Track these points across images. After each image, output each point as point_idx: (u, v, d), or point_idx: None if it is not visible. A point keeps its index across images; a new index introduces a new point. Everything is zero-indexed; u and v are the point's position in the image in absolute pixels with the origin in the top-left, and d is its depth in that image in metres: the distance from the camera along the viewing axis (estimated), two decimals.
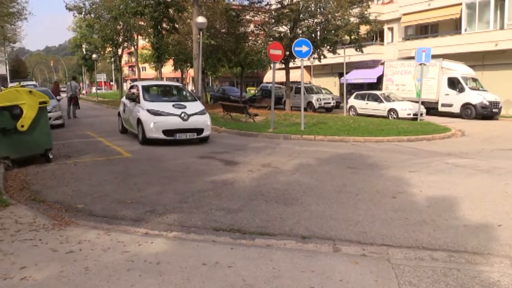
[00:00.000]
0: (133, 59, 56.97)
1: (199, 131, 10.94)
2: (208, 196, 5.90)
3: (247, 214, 5.14)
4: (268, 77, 40.63)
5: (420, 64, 18.03)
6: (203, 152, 9.86)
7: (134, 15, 21.49)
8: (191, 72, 45.77)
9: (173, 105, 11.02)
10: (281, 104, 26.08)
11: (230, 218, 4.99)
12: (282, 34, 22.37)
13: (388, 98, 21.60)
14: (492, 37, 24.58)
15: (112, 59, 36.20)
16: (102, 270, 3.44)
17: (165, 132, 10.52)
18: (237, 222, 4.86)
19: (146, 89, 11.98)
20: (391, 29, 32.23)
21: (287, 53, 20.17)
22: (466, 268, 3.65)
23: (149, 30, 24.70)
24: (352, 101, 23.06)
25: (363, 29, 22.76)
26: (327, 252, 3.99)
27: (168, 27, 22.99)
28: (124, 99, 13.37)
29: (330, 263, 3.68)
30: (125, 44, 34.23)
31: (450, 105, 21.93)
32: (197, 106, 11.57)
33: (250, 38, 24.99)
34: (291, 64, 23.71)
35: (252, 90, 42.81)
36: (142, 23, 26.61)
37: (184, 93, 13.09)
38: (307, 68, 36.47)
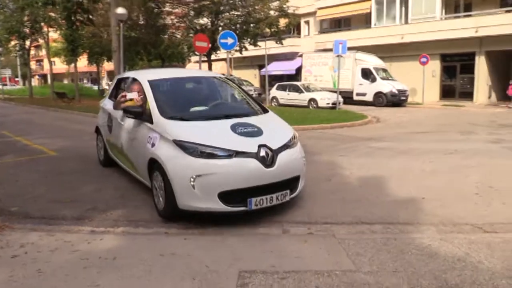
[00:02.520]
0: (41, 53, 52.94)
1: (293, 183, 4.78)
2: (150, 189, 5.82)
3: None
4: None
5: (337, 56, 19.04)
6: None
7: (44, 5, 20.01)
8: (106, 66, 43.73)
9: (233, 127, 4.68)
10: None
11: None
12: (203, 27, 22.26)
13: (308, 89, 22.52)
14: (398, 31, 26.67)
15: (18, 53, 33.31)
16: (56, 270, 3.31)
17: (226, 196, 4.28)
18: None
19: (159, 88, 5.53)
20: (307, 23, 33.52)
21: (209, 45, 20.13)
22: (401, 236, 4.07)
23: (61, 22, 23.15)
24: (274, 92, 23.69)
25: (282, 22, 23.48)
26: (277, 234, 4.21)
27: (83, 19, 21.75)
28: (106, 104, 6.99)
29: (283, 244, 3.89)
30: (33, 37, 31.69)
31: (364, 94, 23.46)
32: (278, 124, 5.37)
33: (170, 30, 24.51)
34: (212, 57, 23.71)
35: None
36: (53, 14, 24.83)
37: (240, 94, 6.15)
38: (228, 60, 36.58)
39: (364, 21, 29.89)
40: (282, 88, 23.45)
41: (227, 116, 5.03)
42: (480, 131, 12.13)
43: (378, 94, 22.75)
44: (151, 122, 4.93)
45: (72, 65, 26.51)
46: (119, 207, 5.11)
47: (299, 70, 29.18)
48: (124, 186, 6.03)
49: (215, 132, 4.63)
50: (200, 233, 4.23)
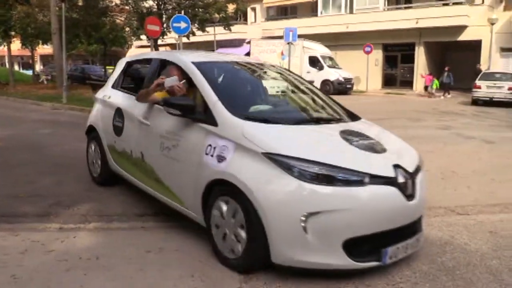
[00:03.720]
0: None
1: (420, 218, 3.20)
2: (116, 181, 5.44)
3: None
4: (130, 55, 38.65)
5: (288, 43, 19.10)
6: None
7: None
8: (40, 50, 40.93)
9: (344, 137, 3.22)
10: None
11: (148, 201, 4.70)
12: (149, 10, 21.39)
13: None
14: (344, 20, 27.31)
15: None
16: (33, 275, 2.96)
17: (349, 244, 2.72)
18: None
19: (212, 74, 3.93)
20: (254, 9, 33.34)
21: (161, 29, 19.43)
22: None
23: None
24: None
25: (231, 7, 23.13)
26: None
27: None
28: (109, 95, 5.05)
29: None
30: None
31: (312, 82, 23.66)
32: (391, 136, 3.78)
33: (113, 12, 23.32)
34: (159, 42, 22.91)
35: (111, 69, 40.33)
36: None
37: (304, 84, 4.59)
38: (173, 46, 35.67)
39: (310, 9, 30.27)
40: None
41: (317, 120, 3.66)
42: (428, 118, 12.73)
43: (325, 82, 23.20)
44: (213, 124, 3.24)
45: (3, 47, 24.44)
46: (86, 201, 4.71)
47: (247, 56, 29.02)
48: (86, 178, 5.58)
49: (326, 144, 3.16)
50: (182, 226, 4.00)
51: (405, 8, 26.55)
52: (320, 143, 3.15)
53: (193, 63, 3.84)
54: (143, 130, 4.07)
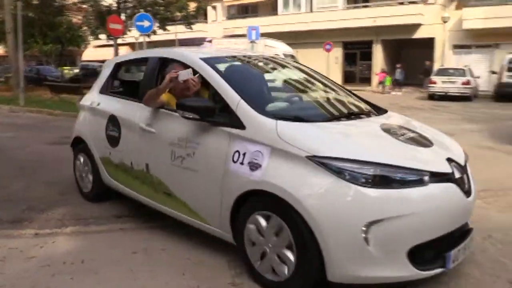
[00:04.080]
0: None
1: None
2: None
3: None
4: (87, 55, 37.50)
5: (251, 42, 19.16)
6: (51, 137, 8.72)
7: None
8: None
9: (387, 130, 2.95)
10: None
11: (123, 202, 4.61)
12: (108, 8, 20.85)
13: None
14: (304, 18, 27.70)
15: None
16: (17, 282, 2.87)
17: (417, 251, 2.43)
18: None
19: (226, 72, 3.39)
20: (214, 8, 33.19)
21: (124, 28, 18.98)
22: None
23: None
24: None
25: (192, 6, 22.90)
26: None
27: None
28: (98, 101, 4.47)
29: None
30: None
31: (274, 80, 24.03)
32: (430, 128, 3.42)
33: (70, 11, 22.56)
34: (119, 41, 22.36)
35: (66, 70, 39.04)
36: None
37: (317, 76, 4.11)
38: (132, 45, 34.91)
39: (271, 8, 30.50)
40: (195, 73, 22.95)
41: (349, 115, 3.30)
42: None
43: None
44: (239, 126, 2.84)
45: None
46: (59, 205, 4.57)
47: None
48: (57, 181, 5.42)
49: (373, 140, 2.83)
50: (163, 226, 3.96)
51: (363, 7, 27.27)
52: (366, 140, 2.82)
53: (202, 59, 3.41)
54: (147, 139, 3.58)
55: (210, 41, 30.15)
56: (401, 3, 25.69)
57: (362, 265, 2.38)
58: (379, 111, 3.58)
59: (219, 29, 31.72)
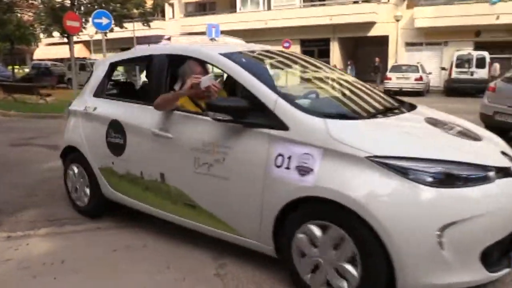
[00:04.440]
0: None
1: None
2: (58, 184, 5.19)
3: None
4: (39, 54, 36.01)
5: (211, 39, 19.14)
6: (11, 139, 8.40)
7: None
8: None
9: (434, 124, 2.87)
10: (65, 83, 24.00)
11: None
12: (62, 5, 20.13)
13: None
14: (262, 16, 27.92)
15: None
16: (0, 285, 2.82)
17: (488, 253, 2.29)
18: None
19: (251, 65, 3.23)
20: (172, 5, 32.72)
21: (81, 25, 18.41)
22: None
23: None
24: (143, 77, 22.78)
25: (149, 3, 22.54)
26: None
27: None
28: (94, 105, 3.99)
29: None
30: None
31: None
32: (466, 122, 3.23)
33: (20, 8, 21.59)
34: (75, 39, 21.66)
35: (16, 69, 37.36)
36: None
37: (337, 72, 4.12)
38: (87, 43, 33.88)
39: (229, 5, 30.49)
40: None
41: (385, 111, 3.08)
42: None
43: None
44: (281, 127, 2.59)
45: None
46: (28, 208, 4.46)
47: None
48: (23, 183, 5.27)
49: (428, 136, 2.67)
50: (142, 224, 3.95)
51: (320, 5, 27.83)
52: (423, 137, 2.66)
53: (222, 55, 3.12)
54: (162, 145, 3.22)
55: (168, 39, 29.77)
56: (356, 2, 26.45)
57: (436, 272, 2.21)
58: (407, 105, 3.37)
59: (177, 27, 31.39)
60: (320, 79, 3.66)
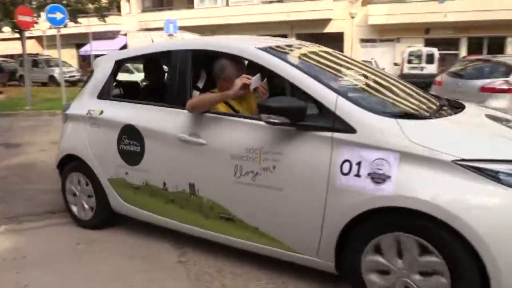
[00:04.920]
0: None
1: None
2: (15, 182, 5.14)
3: None
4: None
5: (169, 35, 19.02)
6: None
7: None
8: None
9: (494, 119, 2.82)
10: (16, 80, 23.07)
11: (56, 198, 4.55)
12: None
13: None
14: (220, 12, 27.92)
15: None
16: None
17: None
18: None
19: (295, 61, 2.87)
20: (128, 0, 32.09)
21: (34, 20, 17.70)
22: None
23: None
24: None
25: None
26: None
27: None
28: (103, 110, 3.53)
29: None
30: None
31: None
32: None
33: None
34: (27, 34, 20.83)
35: None
36: None
37: (375, 69, 3.76)
38: (39, 38, 32.58)
39: (186, 1, 30.23)
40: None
41: (439, 110, 2.83)
42: None
43: None
44: (346, 130, 2.34)
45: None
46: None
47: (123, 49, 27.96)
48: None
49: (502, 135, 2.49)
50: None
51: (278, 1, 28.12)
52: (498, 135, 2.47)
53: (261, 49, 2.81)
54: (192, 152, 2.90)
55: (125, 35, 29.24)
56: None
57: None
58: (452, 102, 3.20)
59: (134, 22, 30.79)
60: (361, 75, 3.20)
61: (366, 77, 3.15)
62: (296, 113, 2.40)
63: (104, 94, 3.65)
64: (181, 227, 3.12)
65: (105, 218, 3.68)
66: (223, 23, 27.62)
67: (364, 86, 2.97)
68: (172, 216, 3.14)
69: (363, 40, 26.14)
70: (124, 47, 27.26)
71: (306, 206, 2.44)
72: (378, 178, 2.19)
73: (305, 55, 3.07)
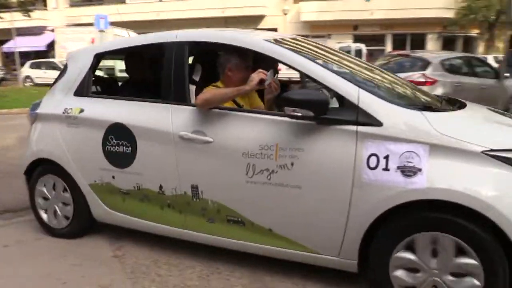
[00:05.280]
0: None
1: None
2: None
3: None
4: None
5: (100, 31, 18.37)
6: None
7: None
8: None
9: (499, 115, 2.92)
10: None
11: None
12: None
13: None
14: (154, 8, 27.41)
15: None
16: None
17: None
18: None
19: (307, 54, 2.76)
20: None
21: None
22: None
23: None
24: (27, 71, 21.20)
25: None
26: None
27: None
28: (84, 108, 3.18)
29: None
30: None
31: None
32: None
33: None
34: None
35: None
36: None
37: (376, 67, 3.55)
38: None
39: None
40: (37, 66, 21.18)
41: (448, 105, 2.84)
42: None
43: None
44: (371, 123, 2.26)
45: None
46: None
47: (50, 46, 26.59)
48: None
49: (509, 124, 2.60)
50: (30, 220, 3.85)
51: None
52: (510, 126, 2.53)
53: (269, 41, 2.67)
54: (195, 151, 2.69)
55: (52, 30, 27.76)
56: None
57: None
58: (444, 97, 3.37)
59: (61, 17, 29.39)
60: (367, 69, 3.10)
61: (370, 70, 3.09)
62: (319, 106, 2.29)
63: (82, 91, 3.29)
64: (179, 233, 2.91)
65: (82, 227, 3.39)
66: (155, 18, 27.15)
67: (377, 80, 2.87)
68: (169, 222, 2.91)
69: None
70: (52, 43, 25.95)
71: (328, 204, 2.35)
72: (409, 171, 2.14)
73: (309, 48, 2.96)
